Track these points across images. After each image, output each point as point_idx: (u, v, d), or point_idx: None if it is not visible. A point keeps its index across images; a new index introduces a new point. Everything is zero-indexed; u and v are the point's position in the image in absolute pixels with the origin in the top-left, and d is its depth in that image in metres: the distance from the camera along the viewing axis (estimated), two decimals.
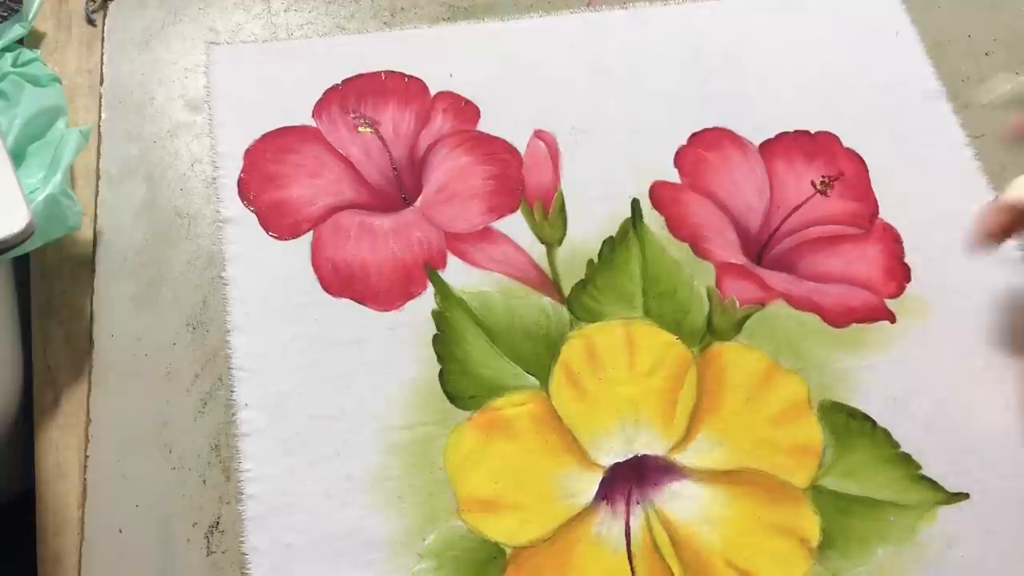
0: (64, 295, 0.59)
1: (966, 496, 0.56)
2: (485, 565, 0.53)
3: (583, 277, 0.61)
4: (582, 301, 0.60)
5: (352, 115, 0.65)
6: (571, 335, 0.59)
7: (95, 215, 0.62)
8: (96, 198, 0.62)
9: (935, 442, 0.57)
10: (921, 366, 0.59)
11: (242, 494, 0.54)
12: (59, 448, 0.55)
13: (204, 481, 0.54)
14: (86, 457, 0.55)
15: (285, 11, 0.70)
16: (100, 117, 0.65)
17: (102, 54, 0.67)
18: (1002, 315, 0.61)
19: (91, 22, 0.68)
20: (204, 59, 0.67)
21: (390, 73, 0.67)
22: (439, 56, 0.68)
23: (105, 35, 0.68)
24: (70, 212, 0.57)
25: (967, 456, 0.57)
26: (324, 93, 0.66)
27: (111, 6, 0.69)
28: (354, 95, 0.66)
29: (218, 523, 0.53)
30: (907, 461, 0.57)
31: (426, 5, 0.70)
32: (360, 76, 0.67)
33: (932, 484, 0.56)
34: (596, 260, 0.62)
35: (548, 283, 0.61)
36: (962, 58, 0.71)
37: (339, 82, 0.66)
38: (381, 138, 0.65)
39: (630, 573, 0.53)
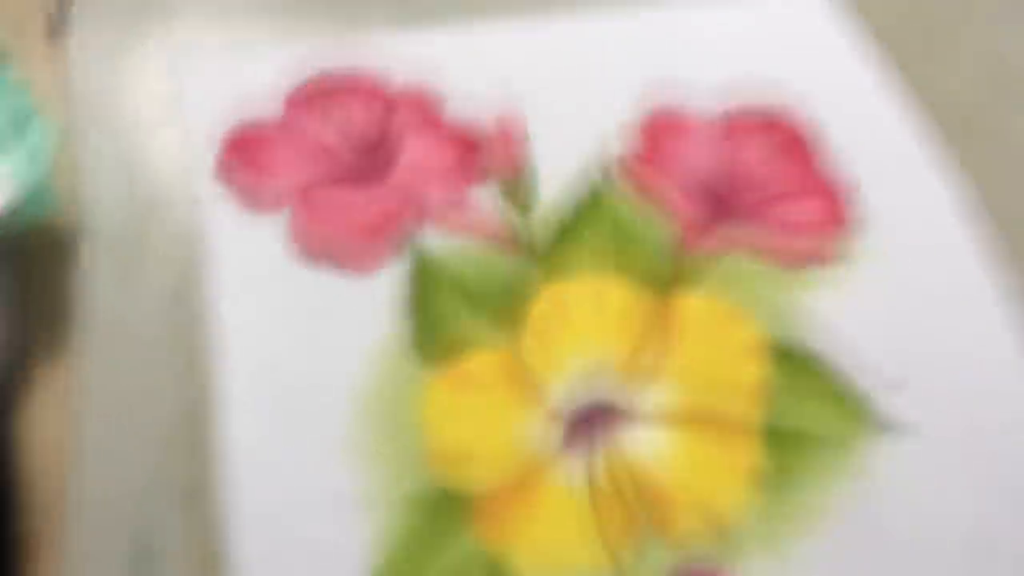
0: (47, 278, 0.61)
1: (913, 427, 0.58)
2: (455, 510, 0.54)
3: (553, 238, 0.63)
4: (552, 261, 0.63)
5: (322, 103, 0.68)
6: (540, 293, 0.61)
7: (75, 204, 0.64)
8: (74, 190, 0.65)
9: (886, 377, 0.59)
10: (870, 306, 0.62)
11: (221, 459, 0.56)
12: (41, 422, 0.57)
13: (184, 447, 0.56)
14: (69, 429, 0.57)
15: (250, 11, 0.72)
16: (72, 117, 0.67)
17: (68, 60, 0.70)
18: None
19: (56, 31, 0.71)
20: (172, 61, 0.70)
21: (358, 62, 0.70)
22: (405, 47, 0.71)
23: (71, 41, 0.71)
24: (49, 198, 0.59)
25: (916, 390, 0.59)
26: (295, 83, 0.69)
27: (76, 12, 0.71)
28: (324, 84, 0.69)
29: (199, 487, 0.55)
30: (854, 396, 0.59)
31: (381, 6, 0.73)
32: (329, 66, 0.70)
33: (878, 417, 0.58)
34: (565, 222, 0.64)
35: (519, 245, 0.63)
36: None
37: (309, 72, 0.69)
38: (352, 123, 0.67)
39: (592, 511, 0.54)
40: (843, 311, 0.61)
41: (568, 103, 0.69)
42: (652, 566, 0.53)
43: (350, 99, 0.68)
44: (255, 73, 0.69)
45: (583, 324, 0.60)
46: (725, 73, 0.71)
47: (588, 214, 0.64)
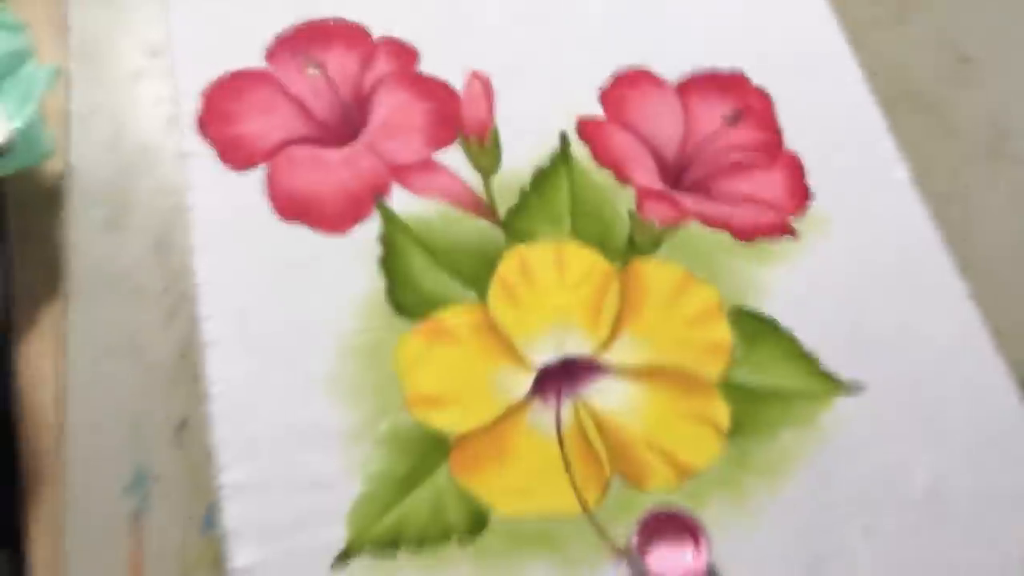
0: (39, 222, 0.64)
1: (859, 387, 0.63)
2: (432, 449, 0.58)
3: (516, 202, 0.67)
4: (516, 224, 0.66)
5: (301, 58, 0.70)
6: (506, 253, 0.65)
7: (66, 150, 0.66)
8: (66, 136, 0.67)
9: (833, 340, 0.64)
10: (821, 273, 0.66)
11: (208, 394, 0.59)
12: (38, 357, 0.60)
13: (173, 383, 0.60)
14: (63, 365, 0.60)
15: None
16: (67, 62, 0.69)
17: (66, 4, 0.72)
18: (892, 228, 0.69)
19: None
20: (165, 7, 0.72)
21: (336, 19, 0.72)
22: (382, 2, 0.73)
23: None
24: (43, 140, 0.61)
25: (862, 352, 0.64)
26: (276, 38, 0.71)
27: None
28: (303, 40, 0.71)
29: (188, 420, 0.59)
30: (807, 357, 0.63)
31: None
32: (309, 22, 0.72)
33: (829, 376, 0.63)
34: (528, 187, 0.68)
35: (484, 208, 0.67)
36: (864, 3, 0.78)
37: (290, 27, 0.72)
38: (329, 79, 0.70)
39: (560, 455, 0.59)
40: (794, 281, 0.66)
41: (533, 70, 0.72)
42: (618, 508, 0.58)
43: (330, 49, 0.71)
44: (242, 26, 0.72)
45: (546, 284, 0.64)
46: (689, 49, 0.75)
47: (548, 180, 0.68)
